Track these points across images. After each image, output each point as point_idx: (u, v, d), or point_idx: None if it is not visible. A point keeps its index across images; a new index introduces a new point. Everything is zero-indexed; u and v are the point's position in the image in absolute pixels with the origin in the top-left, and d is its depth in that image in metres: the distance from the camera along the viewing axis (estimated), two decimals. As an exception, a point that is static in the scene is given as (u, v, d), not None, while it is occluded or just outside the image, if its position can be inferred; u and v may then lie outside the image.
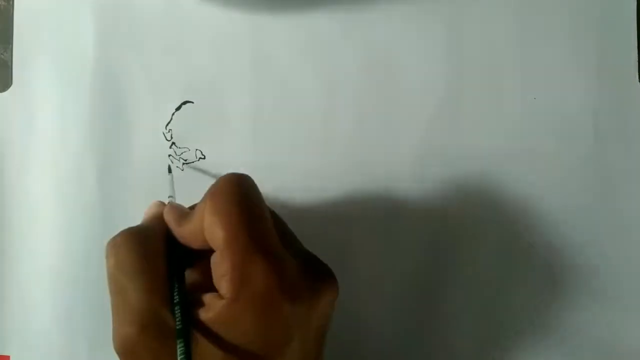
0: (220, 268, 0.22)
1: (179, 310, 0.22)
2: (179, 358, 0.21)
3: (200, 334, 0.22)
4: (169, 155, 0.32)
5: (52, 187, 0.32)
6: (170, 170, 0.31)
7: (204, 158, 0.32)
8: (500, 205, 0.31)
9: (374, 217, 0.31)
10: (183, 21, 0.32)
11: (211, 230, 0.22)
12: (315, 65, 0.32)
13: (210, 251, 0.23)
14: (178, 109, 0.32)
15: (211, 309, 0.22)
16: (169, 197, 0.28)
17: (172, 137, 0.32)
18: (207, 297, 0.23)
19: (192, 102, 0.32)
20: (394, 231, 0.31)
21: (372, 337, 0.30)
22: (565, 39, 0.31)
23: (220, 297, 0.22)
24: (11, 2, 0.33)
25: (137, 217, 0.32)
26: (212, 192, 0.23)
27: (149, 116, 0.32)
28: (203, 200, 0.24)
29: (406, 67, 0.31)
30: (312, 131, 0.31)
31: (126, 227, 0.32)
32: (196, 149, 0.32)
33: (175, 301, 0.23)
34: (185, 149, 0.32)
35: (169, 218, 0.26)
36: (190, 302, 0.23)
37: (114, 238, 0.24)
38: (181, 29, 0.32)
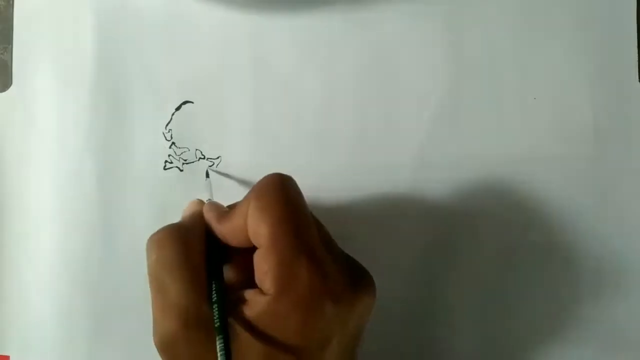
0: (264, 265, 0.22)
1: (217, 307, 0.22)
2: (218, 354, 0.21)
3: (241, 329, 0.22)
4: (173, 159, 0.32)
5: (52, 187, 0.32)
6: (207, 175, 0.31)
7: (204, 158, 0.32)
8: (501, 205, 0.31)
9: (374, 217, 0.31)
10: (183, 21, 0.32)
11: (256, 228, 0.23)
12: (315, 65, 0.32)
13: (247, 249, 0.24)
14: (178, 109, 0.32)
15: (253, 305, 0.22)
16: (207, 200, 0.28)
17: (172, 137, 0.32)
18: (248, 294, 0.23)
19: (192, 102, 0.32)
20: (394, 231, 0.31)
21: (372, 337, 0.30)
22: (565, 39, 0.31)
23: (262, 293, 0.22)
24: (11, 2, 0.33)
25: (137, 217, 0.32)
26: (257, 191, 0.24)
27: (149, 116, 0.32)
28: (246, 198, 0.24)
29: (406, 67, 0.31)
30: (312, 131, 0.31)
31: (126, 227, 0.32)
32: (196, 149, 0.32)
33: (213, 299, 0.23)
34: (185, 149, 0.32)
35: (209, 216, 0.26)
36: (229, 298, 0.23)
37: (156, 234, 0.24)
38: (181, 29, 0.32)
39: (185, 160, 0.32)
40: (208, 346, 0.22)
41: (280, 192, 0.23)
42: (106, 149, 0.32)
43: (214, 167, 0.32)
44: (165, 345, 0.23)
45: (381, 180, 0.31)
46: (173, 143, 0.32)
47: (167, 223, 0.31)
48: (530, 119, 0.31)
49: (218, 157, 0.32)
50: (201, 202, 0.28)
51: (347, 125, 0.31)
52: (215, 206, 0.26)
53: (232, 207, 0.26)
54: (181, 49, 0.32)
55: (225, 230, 0.25)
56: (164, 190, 0.32)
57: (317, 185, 0.31)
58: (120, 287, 0.32)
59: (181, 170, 0.32)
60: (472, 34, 0.31)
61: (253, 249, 0.24)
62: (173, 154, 0.32)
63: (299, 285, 0.22)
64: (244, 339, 0.22)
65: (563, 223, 0.31)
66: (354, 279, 0.24)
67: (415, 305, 0.31)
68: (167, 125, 0.32)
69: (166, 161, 0.32)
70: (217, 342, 0.21)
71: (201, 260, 0.24)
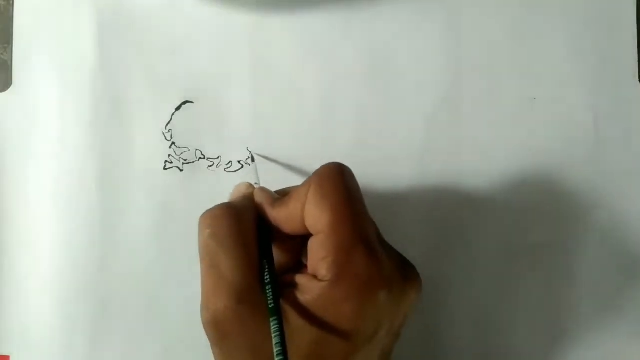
0: (322, 251, 0.23)
1: (270, 289, 0.22)
2: (272, 335, 0.21)
3: (292, 313, 0.22)
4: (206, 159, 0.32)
5: (52, 187, 0.32)
6: (253, 159, 0.31)
7: (204, 158, 0.32)
8: (500, 205, 0.31)
9: (374, 217, 0.31)
10: (183, 21, 0.32)
11: (315, 214, 0.23)
12: (315, 65, 0.32)
13: (297, 236, 0.24)
14: (178, 109, 0.32)
15: (307, 290, 0.23)
16: (255, 183, 0.29)
17: (172, 137, 0.32)
18: (301, 279, 0.23)
19: (192, 102, 0.32)
20: (393, 231, 0.31)
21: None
22: (565, 39, 0.31)
23: (316, 279, 0.23)
24: (11, 2, 0.33)
25: (137, 217, 0.32)
26: (318, 178, 0.24)
27: (149, 116, 0.32)
28: (304, 185, 0.24)
29: (406, 66, 0.31)
30: (312, 131, 0.31)
31: (125, 227, 0.32)
32: (196, 149, 0.32)
33: (266, 280, 0.23)
34: (185, 149, 0.32)
35: (261, 200, 0.26)
36: (280, 281, 0.23)
37: (210, 210, 0.24)
38: (181, 29, 0.32)
39: (185, 160, 0.32)
40: (259, 326, 0.22)
41: (341, 180, 0.24)
42: (106, 149, 0.32)
43: (213, 167, 0.32)
44: (215, 322, 0.23)
45: (381, 180, 0.31)
46: (173, 143, 0.32)
47: (167, 223, 0.32)
48: (530, 119, 0.31)
49: (218, 157, 0.32)
50: (250, 185, 0.28)
51: (347, 125, 0.31)
52: (267, 191, 0.27)
53: (281, 193, 0.26)
54: (181, 49, 0.32)
55: (280, 216, 0.25)
56: (164, 190, 0.32)
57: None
58: (120, 287, 0.32)
59: (181, 170, 0.32)
60: (472, 33, 0.31)
61: (299, 236, 0.24)
62: (173, 154, 0.32)
63: (357, 272, 0.22)
64: (295, 322, 0.22)
65: (563, 223, 0.31)
66: (403, 270, 0.24)
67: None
68: (167, 125, 0.32)
69: (166, 161, 0.32)
70: (271, 324, 0.21)
71: (254, 239, 0.24)
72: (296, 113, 0.32)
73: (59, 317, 0.32)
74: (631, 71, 0.31)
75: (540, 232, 0.31)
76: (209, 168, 0.32)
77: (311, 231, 0.24)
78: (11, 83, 0.33)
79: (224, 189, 0.31)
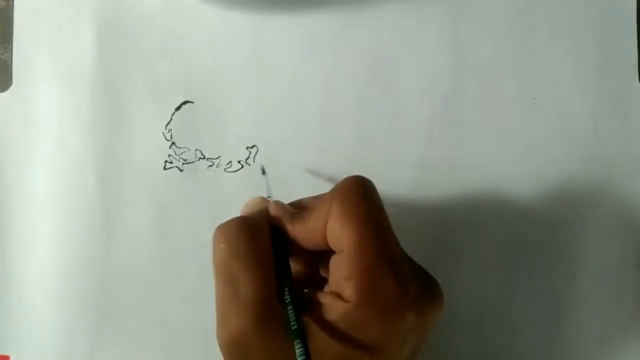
0: (346, 270, 0.22)
1: (292, 309, 0.22)
2: (298, 359, 0.20)
3: (316, 333, 0.21)
4: (167, 159, 0.32)
5: (52, 187, 0.32)
6: (264, 172, 0.31)
7: (204, 158, 0.32)
8: (500, 205, 0.31)
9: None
10: (183, 21, 0.32)
11: (339, 232, 0.22)
12: (315, 65, 0.32)
13: (316, 251, 0.24)
14: (178, 109, 0.32)
15: (331, 311, 0.22)
16: (267, 196, 0.28)
17: (172, 137, 0.32)
18: (325, 297, 0.23)
19: (192, 102, 0.32)
20: (394, 231, 0.31)
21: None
22: (565, 39, 0.31)
23: (340, 298, 0.22)
24: (11, 2, 0.33)
25: (137, 217, 0.32)
26: (341, 194, 0.23)
27: (149, 116, 0.32)
28: (326, 200, 0.23)
29: (406, 67, 0.31)
30: (312, 131, 0.31)
31: (125, 226, 0.32)
32: (196, 149, 0.32)
33: (287, 299, 0.22)
34: (185, 149, 0.32)
35: (277, 214, 0.25)
36: (300, 298, 0.23)
37: (225, 223, 0.24)
38: (181, 29, 0.32)
39: (185, 160, 0.32)
40: (282, 346, 0.21)
41: (365, 196, 0.23)
42: (106, 149, 0.32)
43: (213, 167, 0.32)
44: (235, 343, 0.22)
45: (381, 180, 0.31)
46: (173, 143, 0.32)
47: (167, 223, 0.32)
48: (530, 119, 0.31)
49: (218, 157, 0.32)
50: (263, 199, 0.27)
51: (348, 124, 0.31)
52: (284, 206, 0.26)
53: (295, 205, 0.26)
54: (181, 49, 0.32)
55: (299, 231, 0.24)
56: (164, 190, 0.32)
57: (316, 186, 0.31)
58: (120, 287, 0.32)
59: (181, 170, 0.32)
60: (472, 34, 0.31)
61: (319, 250, 0.24)
62: (173, 154, 0.32)
63: (383, 294, 0.22)
64: (318, 343, 0.21)
65: (563, 223, 0.31)
66: (426, 286, 0.24)
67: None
68: (167, 125, 0.32)
69: (166, 161, 0.32)
70: (296, 347, 0.21)
71: (270, 254, 0.23)
72: (296, 113, 0.32)
73: (59, 317, 0.32)
74: (631, 71, 0.31)
75: (540, 232, 0.31)
76: (209, 168, 0.32)
77: (334, 248, 0.23)
78: (11, 83, 0.33)
79: (224, 189, 0.32)
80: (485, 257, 0.31)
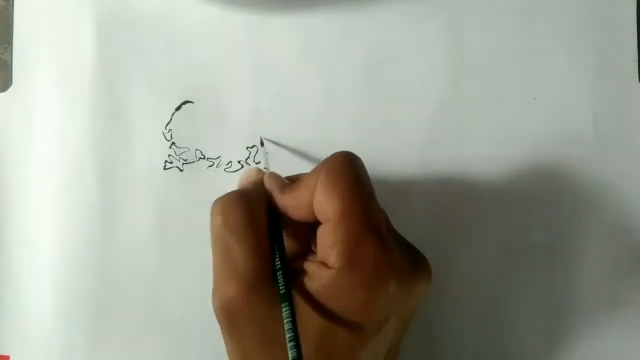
0: (330, 239, 0.22)
1: (281, 275, 0.23)
2: (284, 321, 0.21)
3: (301, 302, 0.22)
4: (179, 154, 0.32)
5: (52, 187, 0.32)
6: (262, 144, 0.31)
7: (204, 158, 0.32)
8: (501, 205, 0.31)
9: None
10: (183, 21, 0.32)
11: (324, 202, 0.23)
12: (315, 65, 0.32)
13: (304, 223, 0.24)
14: (178, 109, 0.32)
15: (316, 278, 0.23)
16: (264, 168, 0.28)
17: (172, 137, 0.32)
18: (310, 265, 0.23)
19: (192, 102, 0.32)
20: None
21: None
22: (565, 39, 0.31)
23: (326, 266, 0.23)
24: (11, 2, 0.33)
25: (137, 216, 0.32)
26: (328, 167, 0.24)
27: (149, 116, 0.32)
28: (314, 172, 0.24)
29: (406, 67, 0.31)
30: (312, 131, 0.31)
31: (125, 226, 0.32)
32: (196, 149, 0.32)
33: (277, 266, 0.23)
34: (185, 149, 0.32)
35: (271, 186, 0.26)
36: (290, 268, 0.23)
37: (222, 197, 0.25)
38: (181, 29, 0.32)
39: (185, 160, 0.32)
40: (270, 312, 0.22)
41: (351, 168, 0.24)
42: (106, 149, 0.32)
43: (213, 167, 0.32)
44: (226, 308, 0.23)
45: (381, 181, 0.31)
46: (173, 143, 0.32)
47: (167, 223, 0.32)
48: (530, 119, 0.31)
49: (218, 157, 0.32)
50: (260, 170, 0.28)
51: (347, 125, 0.31)
52: (277, 177, 0.27)
53: (291, 179, 0.26)
54: (181, 49, 0.32)
55: (289, 202, 0.25)
56: (164, 190, 0.32)
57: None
58: (120, 287, 0.32)
59: (181, 170, 0.32)
60: (472, 33, 0.31)
61: (308, 223, 0.24)
62: (173, 154, 0.32)
63: (366, 261, 0.22)
64: (304, 310, 0.22)
65: (563, 222, 0.31)
66: (413, 260, 0.24)
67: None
68: (167, 125, 0.32)
69: (166, 161, 0.32)
70: (283, 310, 0.21)
71: (264, 226, 0.24)
72: (296, 113, 0.32)
73: (58, 318, 0.32)
74: (631, 71, 0.31)
75: (540, 231, 0.31)
76: (209, 168, 0.32)
77: (320, 219, 0.23)
78: (11, 83, 0.33)
79: (224, 189, 0.31)
80: (485, 257, 0.31)
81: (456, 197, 0.31)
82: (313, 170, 0.24)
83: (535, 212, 0.31)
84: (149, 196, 0.32)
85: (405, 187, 0.31)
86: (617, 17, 0.31)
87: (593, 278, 0.30)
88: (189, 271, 0.32)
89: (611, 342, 0.30)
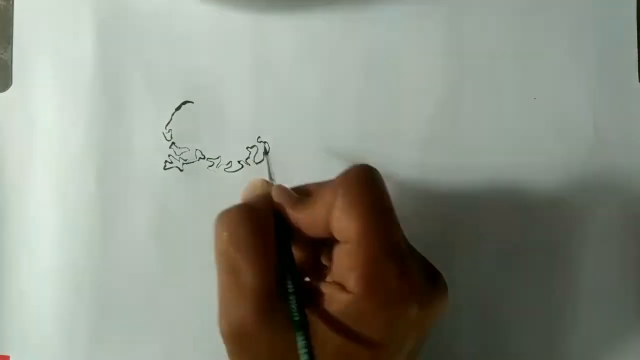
0: (349, 261, 0.22)
1: (294, 300, 0.22)
2: (300, 351, 0.20)
3: (318, 324, 0.21)
4: (174, 157, 0.32)
5: (52, 187, 0.32)
6: (266, 152, 0.31)
7: (204, 158, 0.32)
8: (501, 205, 0.31)
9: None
10: (183, 21, 0.32)
11: (343, 222, 0.22)
12: (315, 65, 0.32)
13: (318, 240, 0.23)
14: (178, 109, 0.32)
15: (333, 302, 0.22)
16: (270, 179, 0.27)
17: (172, 137, 0.32)
18: (327, 288, 0.22)
19: (192, 102, 0.32)
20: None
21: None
22: (565, 39, 0.31)
23: (343, 289, 0.22)
24: (11, 2, 0.33)
25: (137, 217, 0.32)
26: (345, 183, 0.23)
27: (149, 116, 0.32)
28: (330, 188, 0.23)
29: (406, 66, 0.31)
30: (312, 131, 0.31)
31: (125, 226, 0.32)
32: (196, 149, 0.32)
33: (289, 289, 0.22)
34: (185, 149, 0.32)
35: (280, 200, 0.24)
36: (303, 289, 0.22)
37: (228, 210, 0.23)
38: (181, 29, 0.32)
39: (185, 160, 0.32)
40: (283, 336, 0.21)
41: (371, 185, 0.23)
42: (106, 149, 0.32)
43: (213, 167, 0.32)
44: (236, 334, 0.22)
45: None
46: (173, 143, 0.32)
47: (167, 223, 0.32)
48: (530, 119, 0.31)
49: (218, 157, 0.32)
50: (266, 182, 0.27)
51: (347, 125, 0.31)
52: (287, 191, 0.25)
53: (299, 191, 0.25)
54: (181, 49, 0.32)
55: (303, 218, 0.24)
56: (164, 190, 0.32)
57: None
58: (120, 287, 0.32)
59: (181, 170, 0.32)
60: (472, 33, 0.31)
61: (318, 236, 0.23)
62: (173, 154, 0.32)
63: (387, 287, 0.21)
64: (320, 333, 0.21)
65: (563, 222, 0.31)
66: (431, 279, 0.23)
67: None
68: (167, 125, 0.32)
69: (166, 161, 0.32)
70: (298, 339, 0.21)
71: (272, 242, 0.23)
72: (296, 113, 0.32)
73: (59, 317, 0.32)
74: (631, 71, 0.31)
75: (540, 231, 0.31)
76: (209, 168, 0.32)
77: (338, 238, 0.23)
78: (11, 83, 0.33)
79: (224, 189, 0.31)
80: (485, 257, 0.31)
81: (456, 197, 0.31)
82: (328, 185, 0.23)
83: (535, 212, 0.31)
84: (148, 196, 0.32)
85: (405, 188, 0.31)
86: (617, 17, 0.31)
87: (593, 278, 0.30)
88: (188, 271, 0.32)
89: (611, 342, 0.30)
